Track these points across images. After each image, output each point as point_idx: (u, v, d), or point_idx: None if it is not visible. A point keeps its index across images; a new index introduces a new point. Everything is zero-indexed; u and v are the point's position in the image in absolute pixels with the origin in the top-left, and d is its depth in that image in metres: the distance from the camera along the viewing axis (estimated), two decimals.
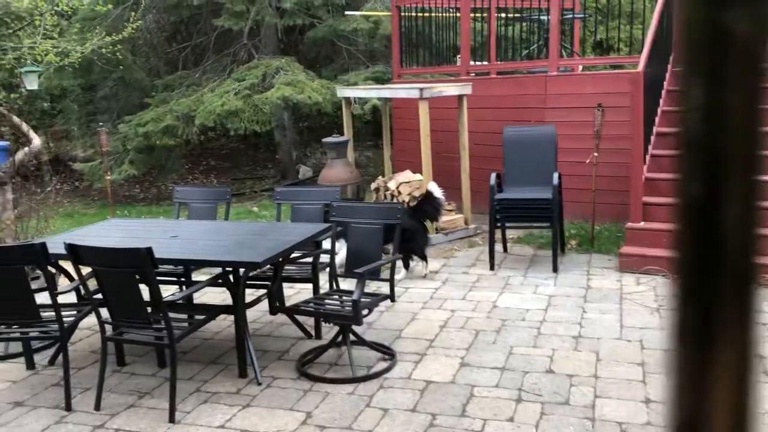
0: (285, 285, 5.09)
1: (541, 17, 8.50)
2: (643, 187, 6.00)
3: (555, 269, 5.93)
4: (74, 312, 4.16)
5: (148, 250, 3.37)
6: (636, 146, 5.92)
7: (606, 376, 3.89)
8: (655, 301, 5.11)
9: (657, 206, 6.01)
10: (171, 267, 4.68)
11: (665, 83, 6.85)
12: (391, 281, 4.29)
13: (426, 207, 6.37)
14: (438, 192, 7.16)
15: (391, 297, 4.26)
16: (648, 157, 6.27)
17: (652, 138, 6.42)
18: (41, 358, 4.50)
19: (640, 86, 5.80)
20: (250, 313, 4.45)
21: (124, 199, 11.87)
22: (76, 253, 3.56)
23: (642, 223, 5.97)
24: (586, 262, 6.19)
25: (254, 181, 12.82)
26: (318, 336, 4.66)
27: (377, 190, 7.99)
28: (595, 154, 6.49)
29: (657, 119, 6.57)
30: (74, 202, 11.92)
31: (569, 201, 6.91)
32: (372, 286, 4.91)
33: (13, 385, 4.14)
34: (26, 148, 6.53)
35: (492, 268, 6.09)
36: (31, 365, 4.38)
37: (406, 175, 7.84)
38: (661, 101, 6.71)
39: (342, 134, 8.36)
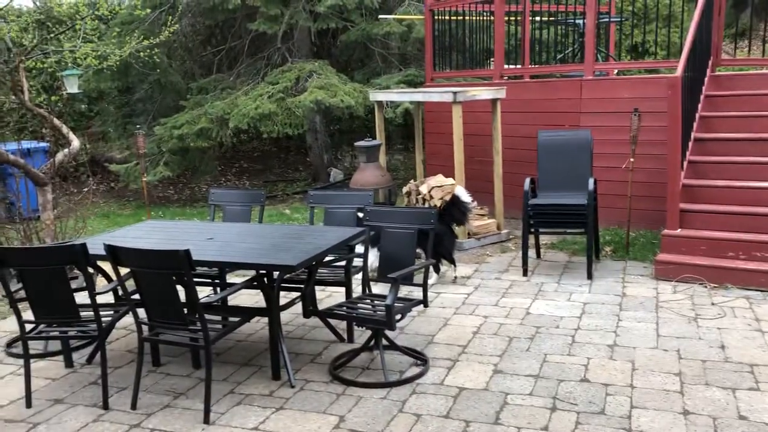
0: (317, 288, 5.11)
1: (577, 21, 8.42)
2: (680, 194, 5.90)
3: (589, 276, 5.86)
4: (111, 312, 4.23)
5: (187, 253, 3.42)
6: (673, 152, 5.82)
7: (642, 386, 3.83)
8: (692, 310, 5.01)
9: (694, 213, 5.91)
10: (206, 269, 4.72)
11: (703, 88, 6.72)
12: (424, 286, 4.28)
13: (453, 211, 6.37)
14: (465, 196, 7.13)
15: (424, 302, 4.25)
16: (685, 163, 6.16)
17: (690, 144, 6.31)
18: (79, 357, 4.58)
19: (678, 91, 5.70)
20: (283, 315, 4.48)
21: (159, 200, 12.05)
22: (115, 255, 3.62)
23: (679, 230, 5.88)
24: (621, 269, 6.10)
25: (286, 184, 12.92)
26: (350, 339, 4.67)
27: (409, 193, 7.97)
28: (631, 159, 6.40)
29: (695, 125, 6.46)
30: (110, 203, 12.13)
31: (604, 206, 6.83)
32: (404, 290, 4.90)
33: (52, 383, 4.22)
34: (66, 150, 6.65)
35: (525, 274, 6.04)
36: (69, 363, 4.46)
37: (438, 179, 7.82)
38: (699, 106, 6.59)
39: (374, 137, 8.37)
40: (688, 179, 6.12)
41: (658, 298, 5.31)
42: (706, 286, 5.49)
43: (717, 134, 6.42)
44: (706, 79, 6.80)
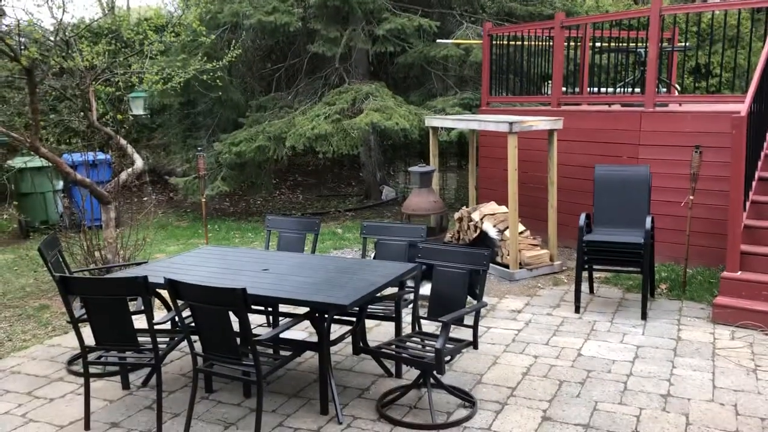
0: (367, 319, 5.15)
1: (638, 49, 8.28)
2: (741, 235, 5.74)
3: (644, 316, 5.75)
4: (167, 339, 4.36)
5: (243, 291, 3.50)
6: (735, 192, 5.67)
7: None
8: (752, 360, 4.86)
9: (756, 256, 5.74)
10: None
11: None
12: (475, 327, 4.27)
13: (480, 246, 6.37)
14: (493, 232, 7.14)
15: (474, 344, 4.23)
16: (748, 204, 5.99)
17: (754, 183, 6.13)
18: (135, 378, 4.73)
19: (743, 131, 5.56)
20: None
21: (215, 212, 12.33)
22: (175, 288, 3.74)
23: (739, 272, 5.71)
24: (677, 310, 5.96)
25: (338, 200, 13.05)
26: (398, 375, 4.69)
27: (460, 219, 7.98)
28: (691, 197, 6.25)
29: (760, 163, 6.27)
30: (168, 213, 12.47)
31: (660, 241, 6.69)
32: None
33: (109, 405, 4.37)
34: (130, 169, 6.89)
35: (577, 311, 5.96)
36: (126, 385, 4.61)
37: (491, 206, 7.81)
38: (765, 144, 6.40)
39: (426, 158, 8.39)
40: (750, 220, 5.94)
41: (715, 344, 5.17)
42: (766, 334, 5.32)
43: None
44: None
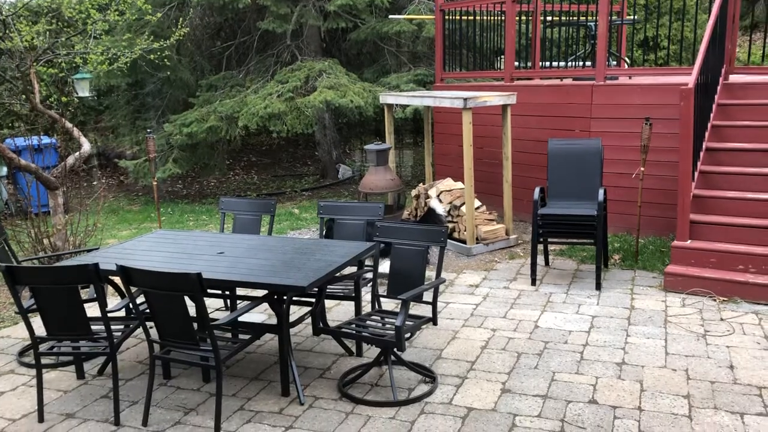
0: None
1: (589, 23, 8.35)
2: (691, 205, 5.88)
3: (598, 287, 5.86)
4: (122, 327, 4.27)
5: (198, 276, 3.44)
6: (684, 163, 5.79)
7: (650, 409, 3.84)
8: (701, 326, 5.01)
9: (705, 225, 5.90)
10: None
11: (716, 96, 6.68)
12: (434, 304, 4.29)
13: (429, 223, 6.43)
14: (440, 208, 7.20)
15: (434, 320, 4.26)
16: (697, 174, 6.14)
17: (702, 154, 6.28)
18: (90, 367, 4.63)
19: (691, 102, 5.67)
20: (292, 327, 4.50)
21: (167, 195, 12.09)
22: (128, 274, 3.65)
23: (689, 241, 5.86)
24: (629, 280, 6.10)
25: (294, 180, 12.93)
26: (359, 353, 4.70)
27: (417, 197, 7.99)
28: (642, 169, 6.37)
29: (707, 134, 6.42)
30: (119, 197, 12.19)
31: (613, 212, 6.82)
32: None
33: (64, 395, 4.27)
34: (77, 153, 6.67)
35: (533, 283, 6.05)
36: (81, 375, 4.51)
37: (448, 183, 7.83)
38: (711, 116, 6.55)
39: (382, 136, 8.36)
40: (699, 190, 6.09)
41: (667, 312, 5.31)
42: (715, 300, 5.49)
43: (729, 144, 6.38)
44: (718, 87, 6.75)
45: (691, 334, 4.87)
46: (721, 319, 5.11)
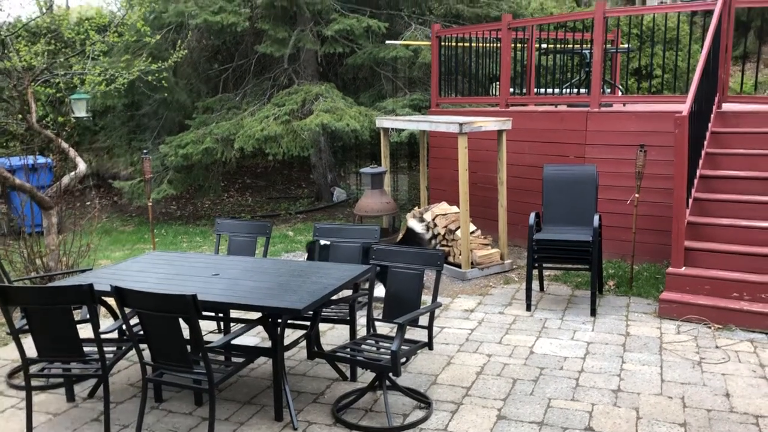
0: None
1: (584, 51, 8.44)
2: (685, 232, 5.90)
3: (593, 313, 5.85)
4: (114, 348, 4.22)
5: (194, 298, 3.41)
6: (679, 190, 5.82)
7: None
8: (697, 353, 5.00)
9: (699, 252, 5.91)
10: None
11: (710, 125, 6.73)
12: (430, 328, 4.27)
13: (410, 244, 6.43)
14: (419, 227, 7.21)
15: (429, 345, 4.23)
16: (691, 201, 6.17)
17: (696, 181, 6.32)
18: (81, 390, 4.57)
19: (685, 130, 5.71)
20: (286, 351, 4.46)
21: (161, 216, 12.06)
22: (122, 296, 3.62)
23: (683, 268, 5.87)
24: (624, 306, 6.09)
25: (289, 202, 12.92)
26: (353, 378, 4.66)
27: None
28: (636, 195, 6.40)
29: (701, 161, 6.46)
30: (112, 218, 12.14)
31: (607, 238, 6.83)
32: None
33: (53, 419, 4.21)
34: (72, 173, 6.66)
35: (528, 309, 6.03)
36: (71, 397, 4.45)
37: (443, 207, 7.84)
38: (705, 143, 6.60)
39: (378, 159, 8.38)
40: (693, 217, 6.12)
41: (662, 338, 5.30)
42: (710, 327, 5.48)
43: (723, 171, 6.42)
44: (712, 115, 6.81)
45: (686, 361, 4.86)
46: (717, 347, 5.10)
